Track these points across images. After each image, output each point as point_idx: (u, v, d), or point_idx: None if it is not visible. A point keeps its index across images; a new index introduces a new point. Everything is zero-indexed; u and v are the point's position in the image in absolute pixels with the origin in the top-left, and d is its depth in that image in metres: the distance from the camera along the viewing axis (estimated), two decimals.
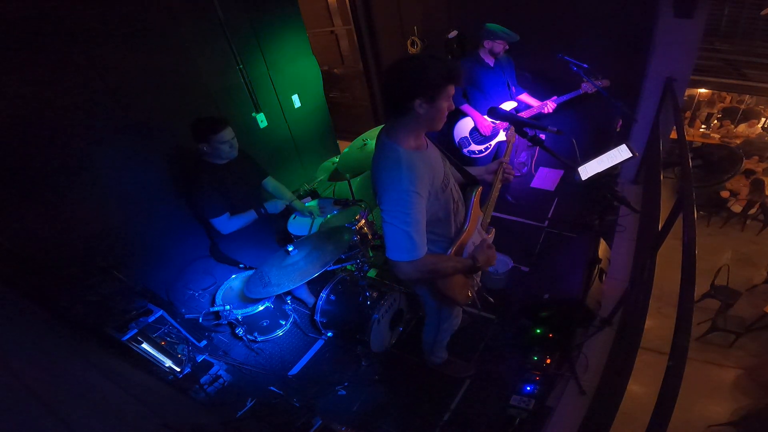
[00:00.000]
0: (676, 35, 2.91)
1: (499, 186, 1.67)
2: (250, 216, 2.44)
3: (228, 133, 2.29)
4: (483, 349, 2.44)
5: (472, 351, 2.43)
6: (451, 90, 1.30)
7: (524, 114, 3.20)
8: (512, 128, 1.66)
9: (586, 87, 3.02)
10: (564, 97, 3.11)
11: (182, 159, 2.58)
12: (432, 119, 1.32)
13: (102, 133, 2.22)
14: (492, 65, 3.05)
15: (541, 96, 3.23)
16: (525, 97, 3.26)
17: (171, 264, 2.70)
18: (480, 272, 1.72)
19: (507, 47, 2.96)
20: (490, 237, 1.74)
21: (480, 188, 1.66)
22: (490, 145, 3.34)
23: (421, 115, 1.29)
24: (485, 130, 3.21)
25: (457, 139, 3.37)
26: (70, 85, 2.06)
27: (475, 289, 1.74)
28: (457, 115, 3.30)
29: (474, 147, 3.35)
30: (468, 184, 1.69)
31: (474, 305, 1.77)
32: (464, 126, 3.33)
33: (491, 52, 2.98)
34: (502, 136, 3.32)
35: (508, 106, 3.19)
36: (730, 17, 4.90)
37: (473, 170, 1.71)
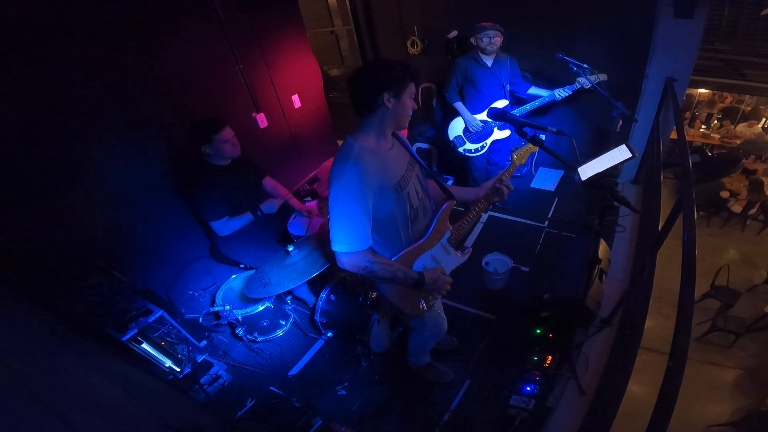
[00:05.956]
0: (676, 35, 2.91)
1: (482, 208, 1.63)
2: (247, 218, 2.44)
3: (228, 131, 2.30)
4: (483, 349, 2.44)
5: (472, 351, 2.43)
6: (413, 88, 1.38)
7: (537, 105, 3.20)
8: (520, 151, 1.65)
9: (583, 82, 3.02)
10: (567, 89, 3.11)
11: (182, 159, 2.58)
12: (398, 115, 1.38)
13: (102, 133, 2.22)
14: (489, 65, 3.05)
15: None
16: (534, 91, 3.24)
17: (171, 264, 2.70)
18: (435, 294, 1.61)
19: (501, 37, 2.94)
20: (463, 257, 1.69)
21: (451, 203, 1.63)
22: (486, 143, 3.35)
23: (389, 110, 1.35)
24: (475, 129, 3.22)
25: (451, 138, 3.38)
26: (70, 85, 2.05)
27: (430, 304, 1.65)
28: (452, 114, 3.30)
29: (469, 146, 3.36)
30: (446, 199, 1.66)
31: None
32: (458, 125, 3.33)
33: (489, 48, 2.94)
34: (497, 134, 3.32)
35: (501, 104, 3.19)
36: (730, 17, 4.91)
37: (473, 190, 1.68)
